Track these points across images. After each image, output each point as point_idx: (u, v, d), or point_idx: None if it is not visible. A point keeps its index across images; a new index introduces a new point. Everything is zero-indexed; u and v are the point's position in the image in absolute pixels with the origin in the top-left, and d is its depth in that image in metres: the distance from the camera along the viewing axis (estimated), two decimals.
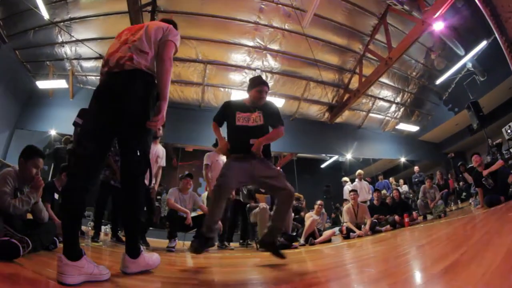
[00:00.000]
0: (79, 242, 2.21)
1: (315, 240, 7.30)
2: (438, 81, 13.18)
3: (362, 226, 7.88)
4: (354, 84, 12.72)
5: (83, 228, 5.46)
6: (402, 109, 15.10)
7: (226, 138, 3.81)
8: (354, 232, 7.66)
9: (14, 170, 3.28)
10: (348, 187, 11.01)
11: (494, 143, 10.64)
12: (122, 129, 2.39)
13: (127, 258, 2.37)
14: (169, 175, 12.02)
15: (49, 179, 7.01)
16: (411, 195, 12.66)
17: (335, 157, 15.27)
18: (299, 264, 3.30)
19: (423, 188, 9.81)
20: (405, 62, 12.66)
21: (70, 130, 5.97)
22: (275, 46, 10.91)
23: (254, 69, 11.45)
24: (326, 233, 7.74)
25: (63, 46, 10.06)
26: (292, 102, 12.98)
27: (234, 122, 3.70)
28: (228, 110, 3.88)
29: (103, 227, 5.56)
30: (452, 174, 11.87)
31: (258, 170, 3.50)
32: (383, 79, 12.76)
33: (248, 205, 7.03)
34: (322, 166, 16.54)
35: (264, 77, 11.14)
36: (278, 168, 3.71)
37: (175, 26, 3.10)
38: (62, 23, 9.28)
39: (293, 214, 8.00)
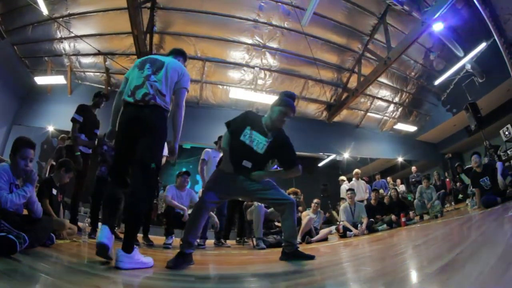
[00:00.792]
0: (134, 240, 2.83)
1: (312, 239, 7.31)
2: (436, 82, 13.17)
3: (359, 225, 7.89)
4: (353, 83, 12.72)
5: (80, 224, 5.46)
6: (400, 109, 15.11)
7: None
8: (350, 231, 7.68)
9: (9, 164, 3.27)
10: (345, 186, 11.02)
11: (491, 144, 10.66)
12: (142, 145, 2.90)
13: (122, 252, 2.52)
14: (166, 173, 12.01)
15: (47, 175, 7.02)
16: (409, 195, 12.66)
17: (332, 156, 15.24)
18: (296, 262, 3.29)
19: (420, 188, 9.83)
20: (404, 62, 12.67)
21: (68, 126, 5.93)
22: (274, 44, 10.91)
23: (253, 67, 11.45)
24: (323, 232, 7.76)
25: (62, 42, 10.03)
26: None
27: (239, 136, 3.43)
28: (244, 122, 3.51)
29: (99, 224, 5.54)
30: (449, 174, 11.89)
31: (248, 184, 3.37)
32: (382, 79, 12.78)
33: (244, 203, 7.03)
34: (320, 164, 16.51)
35: (262, 75, 11.19)
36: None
37: (185, 56, 3.75)
38: (61, 19, 9.26)
39: None
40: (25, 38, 9.75)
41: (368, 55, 11.80)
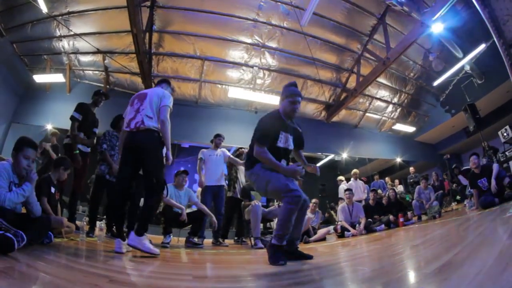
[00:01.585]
0: (143, 228, 3.64)
1: (310, 239, 7.33)
2: (435, 83, 13.19)
3: (357, 225, 7.90)
4: (352, 83, 12.72)
5: (78, 223, 5.47)
6: (399, 110, 15.12)
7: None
8: (348, 231, 7.70)
9: (9, 163, 3.27)
10: (343, 186, 11.04)
11: (490, 146, 10.67)
12: (143, 163, 3.85)
13: (133, 234, 3.53)
14: (165, 172, 12.00)
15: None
16: (407, 195, 12.68)
17: (331, 156, 15.27)
18: (293, 261, 3.30)
19: (418, 188, 9.85)
20: (403, 62, 12.68)
21: (67, 124, 5.94)
22: (273, 44, 10.90)
23: (252, 66, 11.44)
24: (321, 232, 7.78)
25: (61, 40, 10.01)
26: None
27: (275, 142, 3.56)
28: (275, 124, 3.61)
29: (98, 223, 5.53)
30: (448, 175, 11.91)
31: None
32: (381, 79, 12.79)
33: (242, 203, 7.04)
34: (318, 164, 16.43)
35: (261, 75, 11.19)
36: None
37: (167, 82, 4.57)
38: (60, 17, 9.23)
39: None
40: (24, 36, 9.73)
41: (367, 55, 11.79)
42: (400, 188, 13.18)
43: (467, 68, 12.07)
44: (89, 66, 10.96)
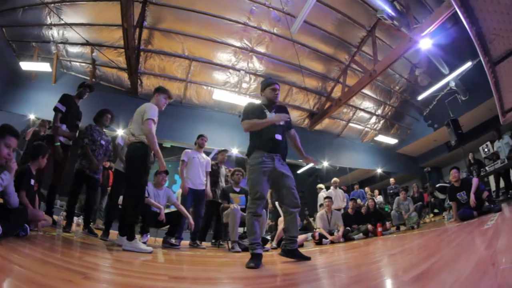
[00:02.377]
0: (129, 231, 4.15)
1: None
2: (420, 97, 13.35)
3: (335, 232, 7.92)
4: (337, 93, 12.79)
5: (55, 217, 5.35)
6: (382, 121, 15.27)
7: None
8: (326, 238, 7.71)
9: None
10: (323, 194, 11.08)
11: (476, 159, 10.85)
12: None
13: (125, 240, 4.10)
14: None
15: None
16: (386, 206, 12.80)
17: (311, 164, 15.32)
18: (270, 266, 3.29)
19: (398, 199, 9.96)
20: (389, 75, 12.83)
21: (50, 115, 5.84)
22: (261, 49, 10.90)
23: (239, 70, 11.41)
24: (299, 238, 7.74)
25: (51, 29, 9.78)
26: None
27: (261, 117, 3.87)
28: (257, 110, 3.96)
29: (75, 218, 5.43)
30: (427, 188, 12.07)
31: (280, 165, 3.78)
32: (366, 91, 12.90)
33: (221, 205, 7.01)
34: (298, 172, 16.54)
35: (247, 79, 11.20)
36: None
37: (160, 91, 4.99)
38: (52, 5, 9.05)
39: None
40: (15, 21, 9.49)
41: (354, 66, 11.89)
42: (379, 199, 13.30)
43: (452, 84, 12.27)
44: (76, 58, 10.75)
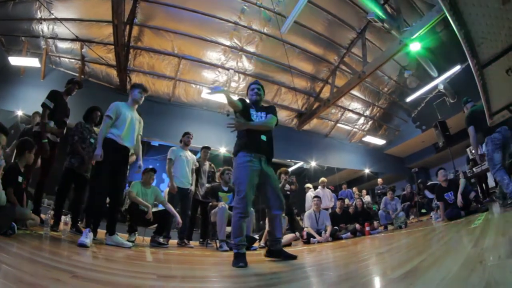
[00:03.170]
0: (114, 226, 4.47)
1: None
2: (408, 99, 13.51)
3: (322, 232, 7.95)
4: (325, 93, 12.89)
5: (43, 216, 5.29)
6: (370, 122, 15.41)
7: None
8: (314, 237, 7.73)
9: None
10: (310, 193, 11.08)
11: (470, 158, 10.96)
12: None
13: (107, 235, 4.41)
14: (133, 169, 11.81)
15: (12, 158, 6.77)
16: (374, 205, 12.88)
17: (299, 164, 15.33)
18: (258, 265, 3.29)
19: (385, 199, 10.03)
20: (378, 77, 12.95)
21: (38, 111, 5.76)
22: (251, 48, 10.93)
23: (228, 69, 11.42)
24: (287, 237, 7.76)
25: (41, 23, 9.63)
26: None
27: (250, 118, 3.93)
28: (244, 108, 3.99)
29: (63, 217, 5.37)
30: (416, 188, 12.17)
31: (267, 168, 3.78)
32: (355, 92, 13.03)
33: (210, 204, 7.00)
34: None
35: (236, 78, 11.23)
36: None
37: (134, 86, 4.98)
38: None
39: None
40: (4, 14, 9.30)
41: (343, 67, 11.99)
42: (367, 198, 13.38)
43: (441, 87, 12.42)
44: (66, 53, 10.61)
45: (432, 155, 16.06)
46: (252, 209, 6.31)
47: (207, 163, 7.98)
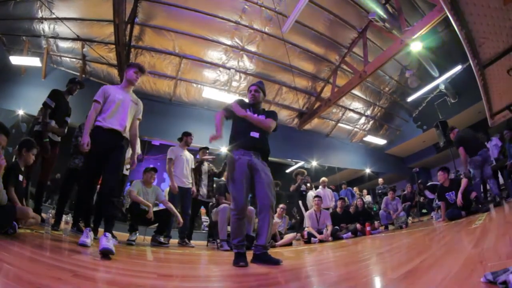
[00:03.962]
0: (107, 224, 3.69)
1: (276, 243, 7.32)
2: (409, 99, 13.49)
3: (324, 230, 7.95)
4: (326, 93, 12.85)
5: (44, 215, 5.29)
6: (371, 122, 15.37)
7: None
8: (315, 237, 7.73)
9: None
10: (311, 193, 11.08)
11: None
12: None
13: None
14: (134, 169, 11.80)
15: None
16: (374, 206, 12.88)
17: (300, 163, 15.31)
18: (259, 264, 3.28)
19: (386, 199, 10.02)
20: (379, 77, 12.92)
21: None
22: (252, 48, 10.90)
23: (229, 68, 11.38)
24: (287, 237, 7.78)
25: (42, 23, 9.62)
26: (263, 105, 12.90)
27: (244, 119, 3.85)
28: (244, 104, 4.05)
29: (64, 216, 5.36)
30: (417, 188, 12.17)
31: (257, 162, 3.68)
32: (356, 91, 12.99)
33: (210, 203, 7.00)
34: (287, 171, 16.52)
35: (237, 78, 11.21)
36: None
37: (129, 65, 4.30)
38: None
39: None
40: (6, 14, 9.29)
41: (344, 67, 11.96)
42: (368, 198, 13.38)
43: (442, 87, 12.43)
44: (67, 53, 10.60)
45: (433, 155, 16.05)
46: (252, 208, 6.32)
47: (206, 163, 7.98)
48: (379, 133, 15.99)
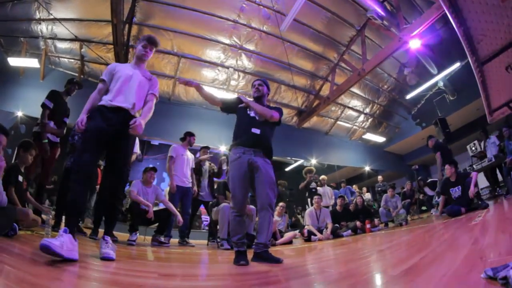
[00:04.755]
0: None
1: (276, 241, 7.33)
2: (408, 96, 13.50)
3: (323, 230, 7.96)
4: (325, 91, 12.84)
5: (44, 217, 5.30)
6: (370, 120, 15.36)
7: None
8: (315, 235, 7.74)
9: None
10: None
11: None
12: None
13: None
14: (133, 168, 11.81)
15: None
16: (374, 204, 12.90)
17: (300, 161, 15.32)
18: (260, 263, 3.29)
19: (385, 196, 10.04)
20: (378, 74, 12.91)
21: (38, 112, 5.72)
22: (251, 47, 10.89)
23: (227, 67, 11.37)
24: (288, 235, 7.79)
25: (40, 24, 9.60)
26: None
27: (245, 111, 3.90)
28: (237, 101, 4.06)
29: (64, 217, 5.36)
30: (416, 185, 12.19)
31: (258, 161, 3.61)
32: (354, 89, 12.98)
33: (210, 203, 7.02)
34: (287, 169, 16.54)
35: (236, 76, 11.21)
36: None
37: (138, 40, 3.89)
38: None
39: None
40: (3, 15, 9.25)
41: (343, 65, 11.95)
42: (367, 196, 13.39)
43: (441, 84, 12.44)
44: (65, 54, 10.57)
45: (432, 152, 16.06)
46: (253, 206, 6.32)
47: (207, 163, 7.98)
48: (378, 130, 15.99)
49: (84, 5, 9.08)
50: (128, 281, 2.07)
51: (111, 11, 7.73)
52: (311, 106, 13.45)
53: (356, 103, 14.21)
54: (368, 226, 8.32)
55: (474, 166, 9.94)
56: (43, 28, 9.69)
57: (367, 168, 16.89)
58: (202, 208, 8.66)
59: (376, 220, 9.13)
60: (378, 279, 2.03)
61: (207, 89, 11.16)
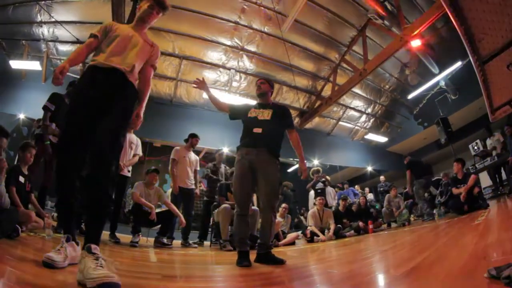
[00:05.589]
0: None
1: (279, 242, 7.32)
2: (410, 96, 13.49)
3: (326, 230, 7.95)
4: (327, 92, 12.82)
5: (46, 218, 5.30)
6: (372, 120, 15.33)
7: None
8: (318, 236, 7.72)
9: None
10: (313, 192, 11.08)
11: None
12: None
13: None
14: (135, 170, 11.83)
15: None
16: (376, 204, 12.88)
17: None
18: (262, 264, 3.28)
19: (388, 196, 10.02)
20: (379, 75, 12.89)
21: (39, 114, 5.76)
22: (252, 48, 10.87)
23: (229, 69, 11.35)
24: (290, 236, 7.78)
25: (41, 26, 9.60)
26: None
27: (246, 114, 3.96)
28: (244, 107, 4.16)
29: None
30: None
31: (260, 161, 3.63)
32: (356, 90, 12.95)
33: (213, 204, 7.01)
34: (289, 170, 16.50)
35: (238, 78, 11.21)
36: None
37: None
38: (43, 2, 8.88)
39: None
40: (5, 18, 9.28)
41: (344, 65, 11.94)
42: (370, 196, 13.36)
43: (442, 83, 12.41)
44: (66, 56, 10.42)
45: (435, 152, 16.00)
46: (256, 207, 6.31)
47: (222, 166, 8.04)
48: (380, 131, 15.96)
49: (85, 8, 9.08)
50: (131, 283, 2.06)
51: (112, 14, 7.73)
52: (313, 106, 13.43)
53: (358, 103, 14.18)
54: (370, 226, 8.31)
55: (476, 166, 9.93)
56: (44, 31, 9.69)
57: (369, 169, 16.85)
58: None
59: (379, 220, 9.13)
60: (381, 279, 2.02)
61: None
